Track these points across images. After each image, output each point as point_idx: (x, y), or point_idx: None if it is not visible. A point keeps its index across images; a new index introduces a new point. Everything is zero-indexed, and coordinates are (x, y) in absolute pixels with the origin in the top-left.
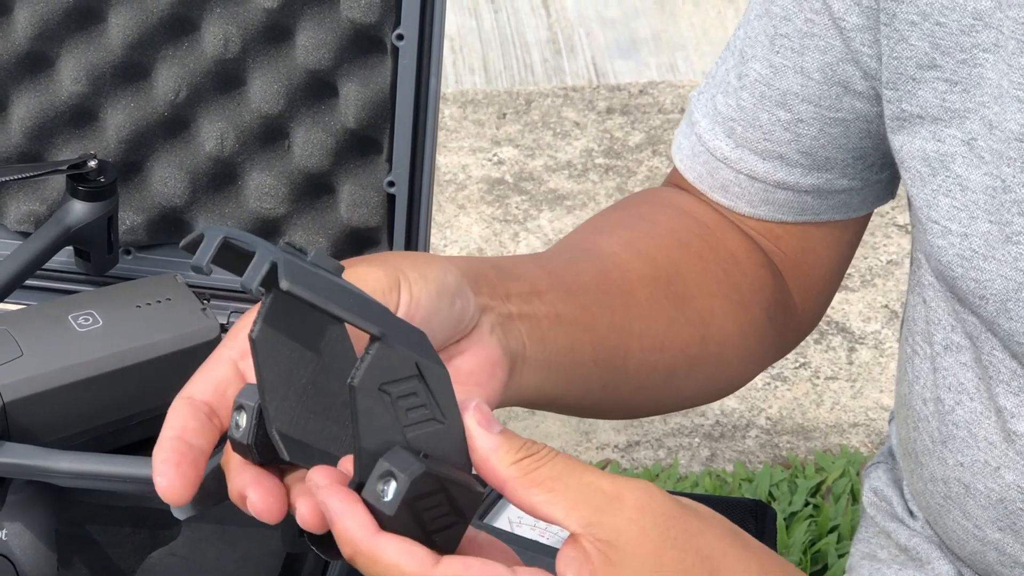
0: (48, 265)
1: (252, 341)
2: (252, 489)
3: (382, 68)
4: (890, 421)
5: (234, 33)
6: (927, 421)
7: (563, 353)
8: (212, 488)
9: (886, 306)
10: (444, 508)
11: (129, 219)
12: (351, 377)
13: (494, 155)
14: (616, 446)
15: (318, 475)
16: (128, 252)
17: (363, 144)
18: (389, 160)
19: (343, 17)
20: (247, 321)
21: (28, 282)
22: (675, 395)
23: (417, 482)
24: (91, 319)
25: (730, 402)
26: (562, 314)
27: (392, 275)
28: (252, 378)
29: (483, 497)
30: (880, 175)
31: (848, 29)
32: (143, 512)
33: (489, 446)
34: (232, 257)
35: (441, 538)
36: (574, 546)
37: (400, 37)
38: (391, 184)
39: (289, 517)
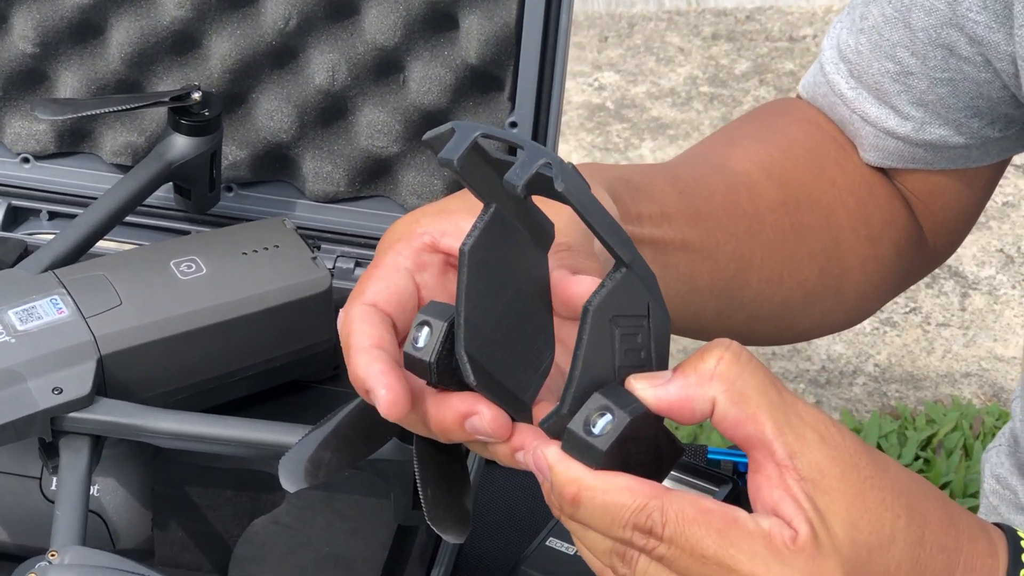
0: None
1: (464, 253)
2: (484, 406)
3: (507, 0)
4: (1014, 399)
5: None
6: None
7: (682, 281)
8: (324, 459)
9: (1001, 250)
10: (648, 457)
11: (232, 154)
12: (588, 301)
13: (595, 80)
14: None
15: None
16: (230, 189)
17: (484, 81)
18: (512, 99)
19: None
20: (418, 230)
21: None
22: (789, 328)
23: (637, 421)
24: (194, 266)
25: (837, 347)
26: (688, 240)
27: None
28: (428, 293)
29: (683, 454)
30: (1005, 132)
31: None
32: (245, 475)
33: (680, 385)
34: (477, 160)
35: (666, 457)
36: (781, 486)
37: None
38: (513, 124)
39: (404, 488)
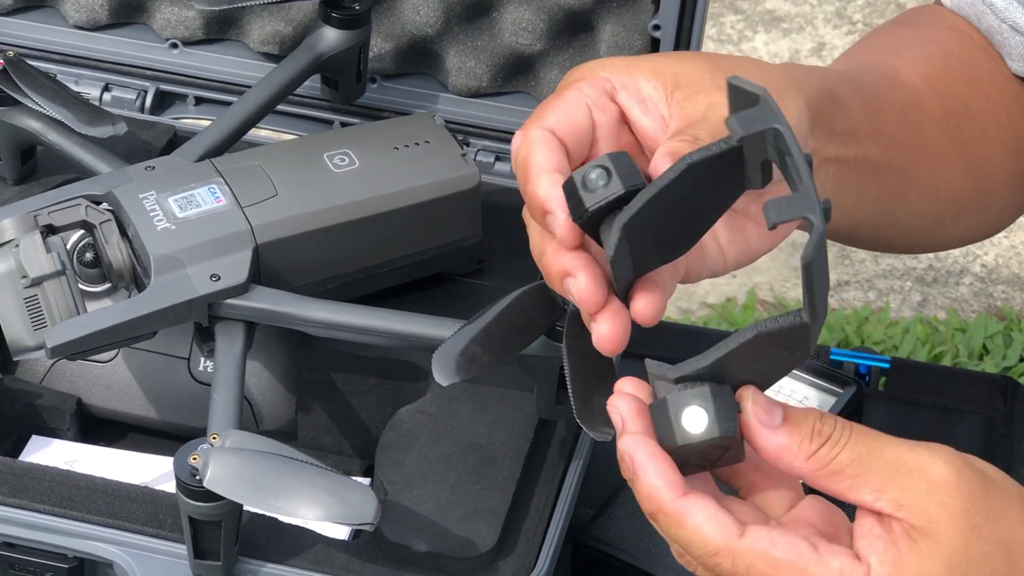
0: None
1: (685, 162)
2: (584, 274)
3: None
4: None
5: None
6: None
7: (851, 196)
8: (476, 354)
9: None
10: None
11: (377, 46)
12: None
13: None
14: None
15: (627, 384)
16: (374, 80)
17: None
18: (656, 1)
19: None
20: (601, 74)
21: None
22: (934, 240)
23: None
24: (347, 159)
25: None
26: (867, 157)
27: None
28: (601, 135)
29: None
30: None
31: None
32: (390, 364)
33: (779, 444)
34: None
35: (724, 460)
36: (880, 523)
37: None
38: (656, 28)
39: (549, 384)
